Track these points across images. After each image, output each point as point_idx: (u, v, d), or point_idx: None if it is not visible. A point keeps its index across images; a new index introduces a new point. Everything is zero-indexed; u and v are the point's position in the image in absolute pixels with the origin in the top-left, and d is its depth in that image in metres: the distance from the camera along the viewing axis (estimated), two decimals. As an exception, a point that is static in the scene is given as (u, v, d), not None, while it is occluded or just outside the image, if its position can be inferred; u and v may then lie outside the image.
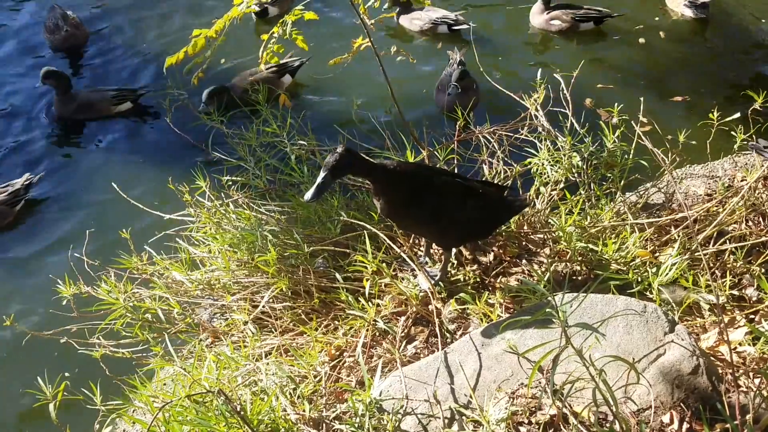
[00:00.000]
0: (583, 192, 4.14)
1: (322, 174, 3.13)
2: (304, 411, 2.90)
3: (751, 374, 2.96)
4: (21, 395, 4.22)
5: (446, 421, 2.75)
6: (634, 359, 2.74)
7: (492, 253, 3.93)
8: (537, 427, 2.69)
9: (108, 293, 3.66)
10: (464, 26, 7.67)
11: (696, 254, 3.59)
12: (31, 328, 3.84)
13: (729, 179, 4.42)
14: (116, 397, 3.28)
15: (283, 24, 3.56)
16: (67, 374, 4.35)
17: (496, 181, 4.38)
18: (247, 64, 7.28)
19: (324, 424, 2.90)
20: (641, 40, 7.68)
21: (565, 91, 4.61)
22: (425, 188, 3.40)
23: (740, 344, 3.14)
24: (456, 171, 4.51)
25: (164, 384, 3.37)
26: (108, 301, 3.65)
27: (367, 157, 3.29)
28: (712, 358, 2.98)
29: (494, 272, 3.81)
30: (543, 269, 3.73)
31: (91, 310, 3.73)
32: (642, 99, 4.44)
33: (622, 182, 4.20)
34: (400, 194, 3.35)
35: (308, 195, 3.15)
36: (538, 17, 7.89)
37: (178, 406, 2.79)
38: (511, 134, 4.58)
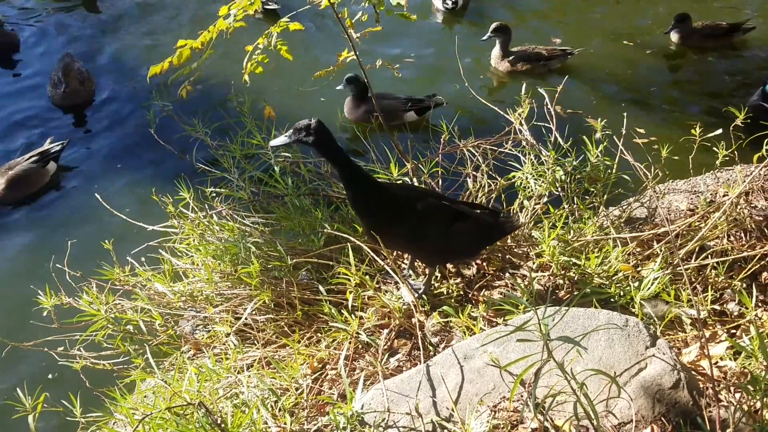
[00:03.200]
0: (566, 206, 4.16)
1: (288, 133, 3.33)
2: (285, 424, 2.88)
3: (731, 389, 2.97)
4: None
5: (428, 434, 2.75)
6: (615, 373, 2.74)
7: (475, 266, 3.94)
8: (518, 440, 2.69)
9: (89, 304, 3.64)
10: None
11: (678, 269, 3.61)
12: (10, 339, 3.81)
13: (711, 194, 4.45)
14: (96, 409, 3.26)
15: (268, 35, 3.56)
16: (49, 378, 4.36)
17: (480, 195, 4.40)
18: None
19: (305, 437, 2.89)
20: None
21: (549, 106, 4.63)
22: (406, 210, 3.42)
23: (721, 359, 3.16)
24: (440, 184, 4.53)
25: (145, 396, 3.34)
26: (89, 312, 3.62)
27: (339, 146, 3.35)
28: (693, 373, 2.99)
29: (477, 285, 3.81)
30: (526, 283, 3.74)
31: (72, 321, 3.70)
32: (625, 114, 4.46)
33: (605, 196, 4.22)
34: (377, 208, 3.38)
35: (272, 142, 3.46)
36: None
37: (158, 418, 2.77)
38: (496, 148, 4.60)
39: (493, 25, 7.51)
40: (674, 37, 7.95)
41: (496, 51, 7.67)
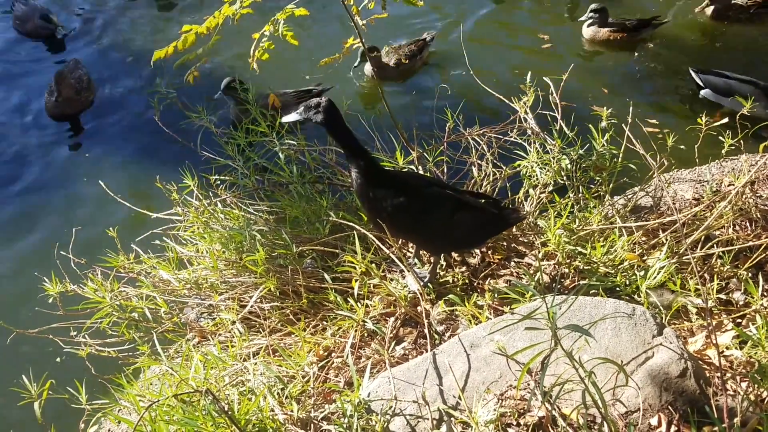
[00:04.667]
0: (571, 195, 4.15)
1: (300, 110, 3.38)
2: (292, 411, 2.89)
3: (738, 377, 2.97)
4: (5, 394, 4.19)
5: (435, 422, 2.75)
6: (622, 362, 2.74)
7: (480, 255, 3.93)
8: (525, 428, 2.69)
9: (94, 292, 3.63)
10: None
11: (684, 258, 3.60)
12: (15, 326, 3.81)
13: (716, 184, 4.44)
14: (102, 396, 3.26)
15: (275, 22, 3.54)
16: (56, 362, 4.37)
17: (485, 183, 4.39)
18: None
19: (312, 425, 2.89)
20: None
21: (555, 95, 4.62)
22: (410, 198, 3.42)
23: (727, 348, 3.16)
24: (445, 172, 4.52)
25: (151, 383, 3.35)
26: (94, 299, 3.62)
27: (348, 128, 3.39)
28: (699, 362, 2.99)
29: (483, 274, 3.81)
30: (532, 271, 3.74)
31: (77, 308, 3.70)
32: (631, 103, 4.45)
33: (611, 185, 4.21)
34: (381, 194, 3.38)
35: (284, 119, 3.51)
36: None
37: (164, 405, 2.77)
38: (501, 136, 4.58)
39: (362, 51, 6.92)
40: (587, 31, 7.73)
41: (368, 66, 7.18)
